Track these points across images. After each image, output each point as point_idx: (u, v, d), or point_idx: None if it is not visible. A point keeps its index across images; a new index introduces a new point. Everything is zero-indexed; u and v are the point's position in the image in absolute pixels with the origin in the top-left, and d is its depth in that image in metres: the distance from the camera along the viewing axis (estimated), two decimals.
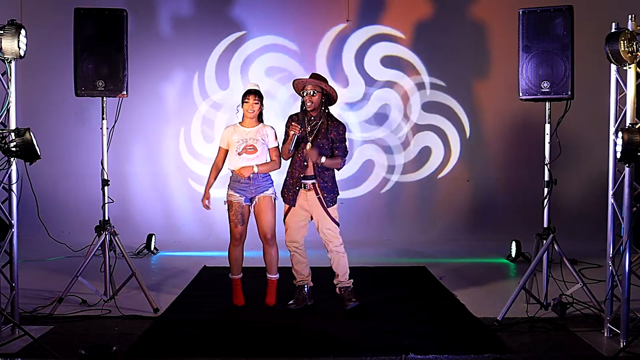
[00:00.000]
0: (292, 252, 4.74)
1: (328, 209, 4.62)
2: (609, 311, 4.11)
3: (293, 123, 4.56)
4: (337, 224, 4.65)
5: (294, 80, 4.72)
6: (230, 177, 4.73)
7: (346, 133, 4.71)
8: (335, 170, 4.72)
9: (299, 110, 4.73)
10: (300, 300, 4.74)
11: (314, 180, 4.61)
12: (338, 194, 4.73)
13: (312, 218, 4.70)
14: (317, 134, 4.59)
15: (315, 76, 4.70)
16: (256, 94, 4.66)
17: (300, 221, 4.68)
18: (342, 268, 4.66)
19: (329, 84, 4.68)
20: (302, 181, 4.61)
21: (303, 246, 4.74)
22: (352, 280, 4.70)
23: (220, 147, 4.78)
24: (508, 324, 4.32)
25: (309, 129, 4.61)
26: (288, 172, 4.72)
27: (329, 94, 4.65)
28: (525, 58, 4.54)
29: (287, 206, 4.69)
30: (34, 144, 3.80)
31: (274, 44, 7.43)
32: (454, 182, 7.52)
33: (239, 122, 4.76)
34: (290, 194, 4.66)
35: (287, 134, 4.64)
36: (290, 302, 4.73)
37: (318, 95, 4.58)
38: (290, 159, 4.72)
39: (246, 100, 4.66)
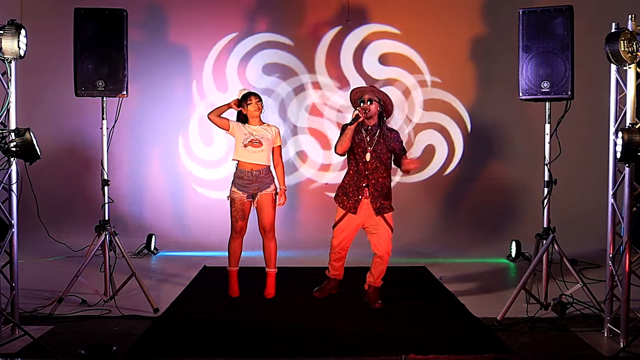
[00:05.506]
0: (336, 252, 4.89)
1: (386, 215, 4.75)
2: (609, 311, 4.12)
3: (358, 108, 4.63)
4: (392, 230, 4.80)
5: (352, 90, 4.81)
6: (234, 173, 4.85)
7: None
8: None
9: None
10: (326, 290, 5.00)
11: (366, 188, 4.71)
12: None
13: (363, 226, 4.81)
14: (377, 144, 4.68)
15: (372, 87, 4.85)
16: (255, 94, 4.87)
17: (354, 229, 4.82)
18: (381, 272, 4.81)
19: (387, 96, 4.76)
20: (364, 189, 4.71)
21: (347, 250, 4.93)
22: (383, 282, 4.86)
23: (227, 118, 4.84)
24: (508, 324, 4.32)
25: (368, 138, 4.69)
26: (346, 181, 4.80)
27: (385, 105, 4.73)
28: (525, 58, 4.54)
29: (342, 212, 4.78)
30: (34, 144, 3.80)
31: (272, 41, 7.40)
32: (454, 181, 7.52)
33: (247, 123, 4.91)
34: (351, 202, 4.74)
35: (342, 132, 4.69)
36: (315, 289, 5.01)
37: (375, 105, 4.67)
38: (349, 167, 4.79)
39: (249, 101, 4.81)
